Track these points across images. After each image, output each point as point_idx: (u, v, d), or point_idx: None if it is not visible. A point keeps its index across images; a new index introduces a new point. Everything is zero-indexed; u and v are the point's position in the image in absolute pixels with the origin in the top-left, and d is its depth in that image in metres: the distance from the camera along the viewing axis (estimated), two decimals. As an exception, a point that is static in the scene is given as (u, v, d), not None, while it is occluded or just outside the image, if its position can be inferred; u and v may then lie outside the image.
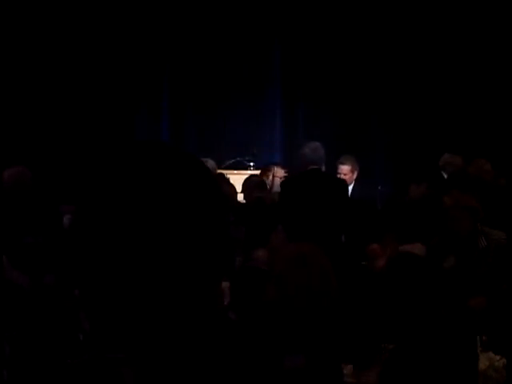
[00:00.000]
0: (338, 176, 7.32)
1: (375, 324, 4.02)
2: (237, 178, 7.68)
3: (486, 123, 9.55)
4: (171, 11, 10.11)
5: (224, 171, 8.19)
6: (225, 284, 3.81)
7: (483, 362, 3.28)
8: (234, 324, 3.55)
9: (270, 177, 7.54)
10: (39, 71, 9.57)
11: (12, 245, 5.38)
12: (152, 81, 10.26)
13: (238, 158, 8.98)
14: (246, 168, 8.77)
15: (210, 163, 7.28)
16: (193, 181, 1.12)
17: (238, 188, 7.06)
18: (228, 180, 7.35)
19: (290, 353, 2.60)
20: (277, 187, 7.14)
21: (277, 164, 8.20)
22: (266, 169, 7.81)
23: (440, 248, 4.85)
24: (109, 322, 1.12)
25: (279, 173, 7.59)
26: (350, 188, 7.38)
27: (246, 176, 7.54)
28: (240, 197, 7.10)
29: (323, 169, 6.39)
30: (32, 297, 4.59)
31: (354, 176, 7.66)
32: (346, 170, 7.60)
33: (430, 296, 2.87)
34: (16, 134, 9.32)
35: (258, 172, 7.99)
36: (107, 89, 9.83)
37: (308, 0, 10.16)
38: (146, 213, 1.08)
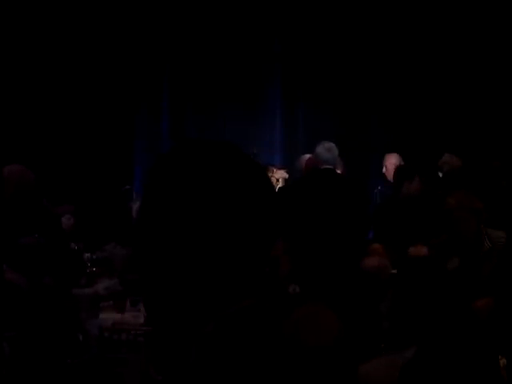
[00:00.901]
0: None
1: (374, 324, 4.02)
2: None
3: (487, 123, 9.55)
4: (171, 11, 10.11)
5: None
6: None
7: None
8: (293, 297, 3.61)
9: None
10: (39, 71, 9.57)
11: (10, 246, 5.38)
12: (152, 81, 10.26)
13: (238, 158, 8.97)
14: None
15: None
16: (246, 170, 1.29)
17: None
18: None
19: None
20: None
21: (275, 166, 8.20)
22: (270, 170, 7.79)
23: (444, 249, 4.83)
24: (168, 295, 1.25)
25: (277, 174, 7.56)
26: None
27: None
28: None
29: (338, 171, 6.33)
30: (31, 297, 4.58)
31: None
32: None
33: (446, 299, 2.87)
34: (16, 133, 9.32)
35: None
36: (107, 89, 9.83)
37: (308, 0, 10.16)
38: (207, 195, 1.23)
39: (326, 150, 6.12)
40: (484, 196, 5.67)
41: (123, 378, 4.67)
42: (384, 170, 8.45)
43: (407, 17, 9.88)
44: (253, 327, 1.20)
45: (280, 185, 7.39)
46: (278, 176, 7.44)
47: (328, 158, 6.09)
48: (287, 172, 7.65)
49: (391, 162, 8.15)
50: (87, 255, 6.62)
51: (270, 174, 7.54)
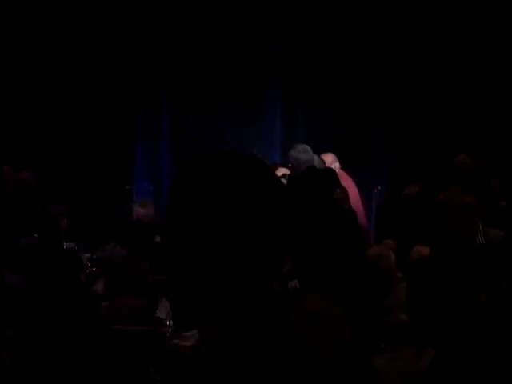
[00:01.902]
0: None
1: (374, 323, 4.02)
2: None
3: (488, 122, 9.54)
4: (171, 11, 10.10)
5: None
6: None
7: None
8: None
9: None
10: (39, 71, 9.57)
11: (10, 246, 5.38)
12: (152, 81, 10.25)
13: (238, 158, 8.94)
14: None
15: None
16: (256, 179, 1.38)
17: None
18: None
19: None
20: None
21: (279, 164, 8.20)
22: (274, 168, 7.78)
23: (439, 247, 4.82)
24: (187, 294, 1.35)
25: (281, 171, 7.56)
26: None
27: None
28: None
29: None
30: (30, 297, 4.58)
31: None
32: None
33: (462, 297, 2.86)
34: (16, 133, 9.32)
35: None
36: (107, 89, 9.83)
37: (308, 0, 10.15)
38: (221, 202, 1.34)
39: (302, 152, 6.45)
40: (486, 195, 5.67)
41: (123, 377, 4.67)
42: None
43: (407, 17, 9.88)
44: (257, 325, 1.24)
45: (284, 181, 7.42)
46: (282, 172, 7.46)
47: (307, 158, 6.45)
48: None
49: (326, 161, 8.12)
50: (87, 255, 6.62)
51: (277, 173, 7.53)
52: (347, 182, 7.92)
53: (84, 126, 9.70)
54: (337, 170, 8.10)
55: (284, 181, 7.22)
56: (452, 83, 9.78)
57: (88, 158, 9.61)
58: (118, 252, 6.68)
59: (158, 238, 6.72)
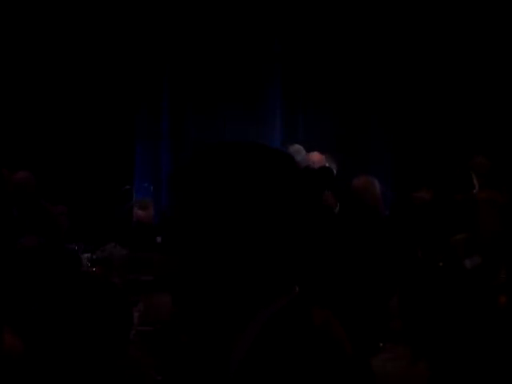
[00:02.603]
0: None
1: (374, 323, 4.01)
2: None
3: (488, 122, 9.54)
4: (171, 11, 10.10)
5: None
6: None
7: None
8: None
9: None
10: (39, 71, 9.57)
11: (10, 246, 5.38)
12: (152, 81, 10.25)
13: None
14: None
15: None
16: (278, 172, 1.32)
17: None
18: None
19: None
20: None
21: None
22: None
23: (464, 246, 4.78)
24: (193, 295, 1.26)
25: None
26: None
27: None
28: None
29: None
30: (30, 297, 4.58)
31: None
32: None
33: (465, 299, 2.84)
34: (15, 133, 9.32)
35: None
36: (107, 89, 9.83)
37: (308, 0, 10.15)
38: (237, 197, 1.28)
39: (296, 153, 6.55)
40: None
41: (124, 376, 4.66)
42: None
43: (407, 17, 9.88)
44: (298, 326, 1.19)
45: None
46: None
47: (299, 159, 6.50)
48: None
49: (313, 160, 8.11)
50: (87, 255, 6.62)
51: None
52: None
53: (84, 126, 9.70)
54: None
55: None
56: (452, 83, 9.78)
57: (88, 158, 9.62)
58: (118, 252, 6.68)
59: (158, 239, 6.73)
